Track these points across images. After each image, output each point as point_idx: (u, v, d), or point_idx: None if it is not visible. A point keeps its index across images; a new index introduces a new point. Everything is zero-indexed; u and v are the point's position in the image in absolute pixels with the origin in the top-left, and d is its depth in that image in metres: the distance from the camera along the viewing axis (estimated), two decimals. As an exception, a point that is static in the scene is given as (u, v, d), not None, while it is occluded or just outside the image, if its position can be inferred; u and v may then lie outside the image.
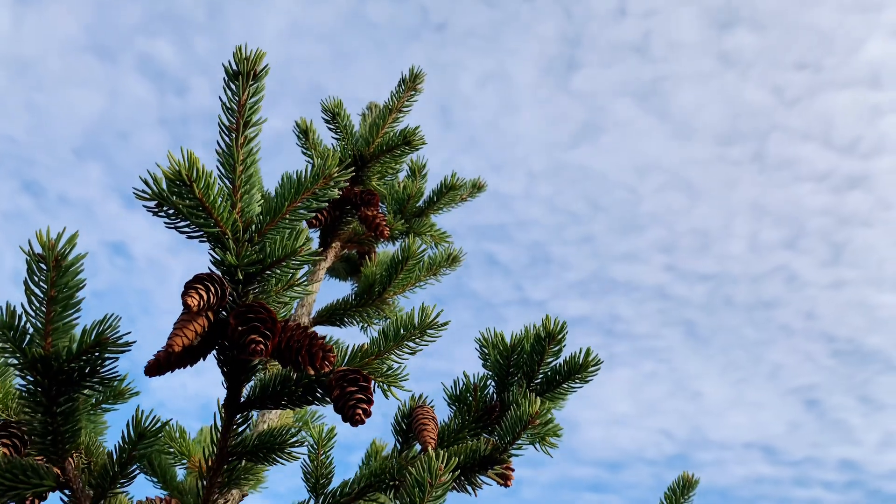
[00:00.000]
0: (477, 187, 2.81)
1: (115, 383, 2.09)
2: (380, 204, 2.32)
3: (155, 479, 2.42)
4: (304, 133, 2.63)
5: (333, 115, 2.39)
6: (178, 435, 2.07)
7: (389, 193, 2.62)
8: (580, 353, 2.01)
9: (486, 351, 2.06)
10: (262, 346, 1.32)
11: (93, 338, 1.37)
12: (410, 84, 2.41)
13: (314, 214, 1.53)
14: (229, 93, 1.45)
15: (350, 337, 2.45)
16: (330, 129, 2.43)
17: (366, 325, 2.34)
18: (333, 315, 2.30)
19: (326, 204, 1.52)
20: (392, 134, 2.31)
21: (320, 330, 2.51)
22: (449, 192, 2.60)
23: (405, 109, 2.41)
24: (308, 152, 2.58)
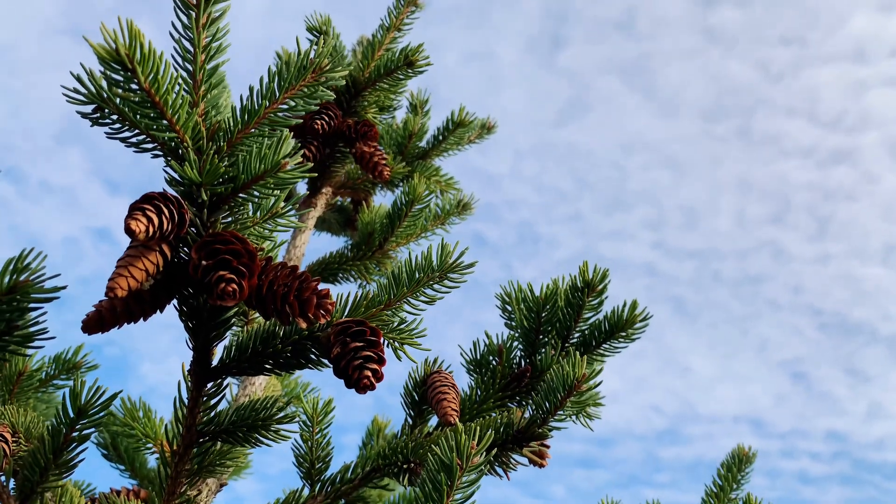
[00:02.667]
0: (486, 128, 2.46)
1: (69, 355, 1.73)
2: (378, 140, 1.96)
3: (122, 467, 2.08)
4: (287, 68, 2.26)
5: (321, 35, 2.03)
6: (141, 414, 1.72)
7: (387, 133, 2.26)
8: (624, 306, 1.68)
9: (510, 308, 1.73)
10: (234, 287, 0.97)
11: (6, 282, 1.01)
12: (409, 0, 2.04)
13: (301, 121, 1.17)
14: (185, -45, 1.09)
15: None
16: (316, 45, 2.06)
17: (364, 281, 1.99)
18: (327, 270, 1.95)
19: (317, 107, 1.16)
20: (391, 55, 1.95)
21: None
22: (457, 130, 2.25)
23: (405, 28, 2.05)
24: (281, 72, 2.22)
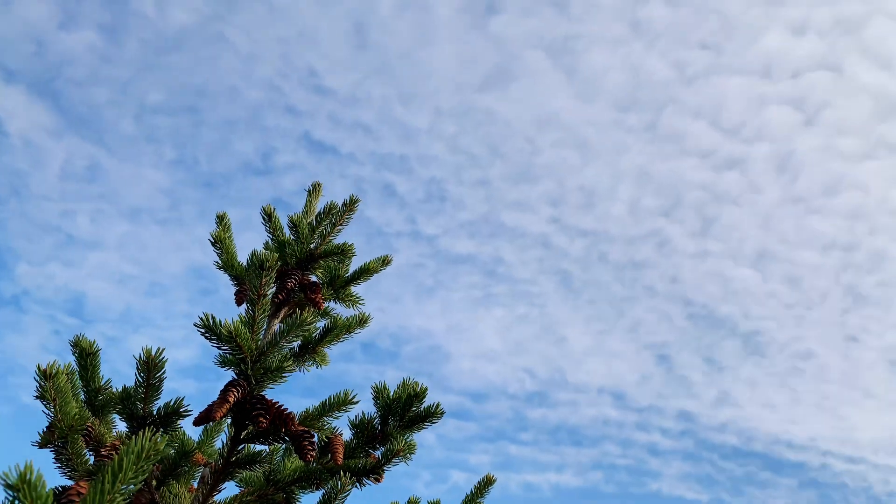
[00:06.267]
0: (385, 262, 4.06)
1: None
2: (320, 289, 3.54)
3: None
4: (268, 216, 3.78)
5: (295, 225, 3.56)
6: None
7: (327, 269, 3.83)
8: (434, 405, 3.36)
9: (377, 396, 3.38)
10: (265, 424, 2.58)
11: (171, 407, 2.58)
12: (349, 207, 3.61)
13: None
14: (255, 282, 2.65)
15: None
16: (291, 232, 3.60)
17: (302, 367, 3.59)
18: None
19: (308, 333, 2.76)
20: (332, 245, 3.52)
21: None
22: (364, 274, 3.85)
23: (344, 223, 3.62)
24: (270, 230, 3.74)
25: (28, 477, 1.81)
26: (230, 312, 3.10)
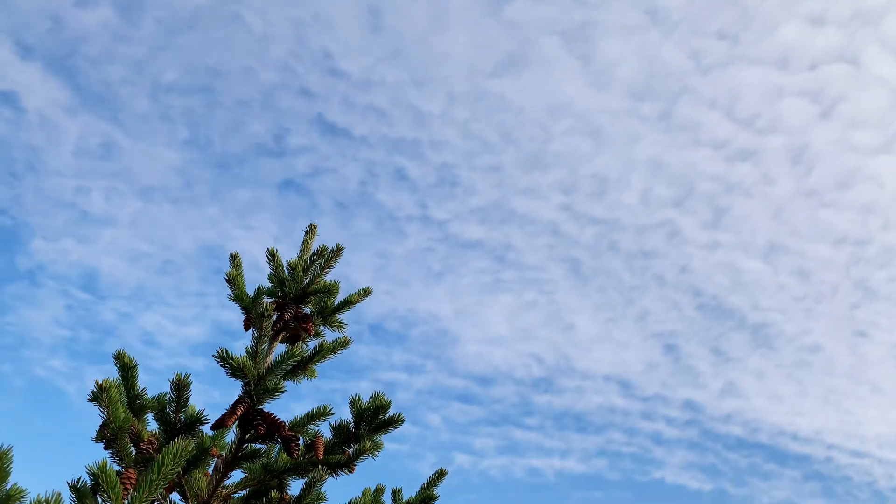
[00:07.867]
0: (366, 293, 5.00)
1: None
2: (311, 319, 4.49)
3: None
4: (272, 256, 4.72)
5: (292, 270, 4.50)
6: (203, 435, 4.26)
7: (316, 301, 4.77)
8: (396, 415, 4.31)
9: (353, 405, 4.33)
10: (262, 431, 3.53)
11: (195, 416, 3.53)
12: (336, 253, 4.55)
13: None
14: (256, 330, 3.58)
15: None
16: (289, 274, 4.54)
17: (295, 380, 4.53)
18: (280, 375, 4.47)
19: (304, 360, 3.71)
20: (322, 282, 4.46)
21: (271, 378, 4.69)
22: (347, 305, 4.79)
23: (332, 266, 4.56)
24: (272, 268, 4.69)
25: (106, 467, 2.78)
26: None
